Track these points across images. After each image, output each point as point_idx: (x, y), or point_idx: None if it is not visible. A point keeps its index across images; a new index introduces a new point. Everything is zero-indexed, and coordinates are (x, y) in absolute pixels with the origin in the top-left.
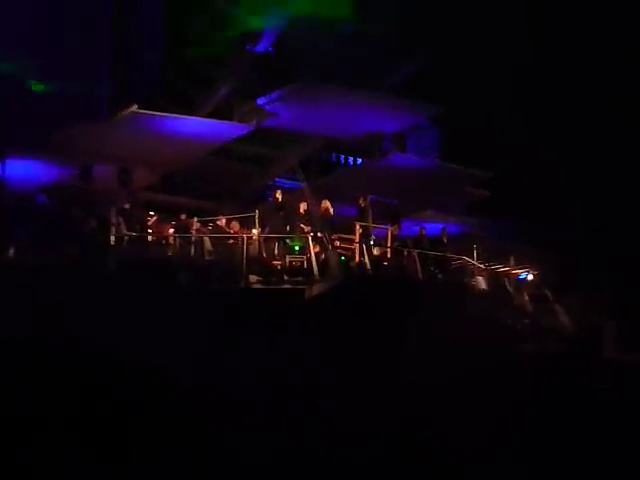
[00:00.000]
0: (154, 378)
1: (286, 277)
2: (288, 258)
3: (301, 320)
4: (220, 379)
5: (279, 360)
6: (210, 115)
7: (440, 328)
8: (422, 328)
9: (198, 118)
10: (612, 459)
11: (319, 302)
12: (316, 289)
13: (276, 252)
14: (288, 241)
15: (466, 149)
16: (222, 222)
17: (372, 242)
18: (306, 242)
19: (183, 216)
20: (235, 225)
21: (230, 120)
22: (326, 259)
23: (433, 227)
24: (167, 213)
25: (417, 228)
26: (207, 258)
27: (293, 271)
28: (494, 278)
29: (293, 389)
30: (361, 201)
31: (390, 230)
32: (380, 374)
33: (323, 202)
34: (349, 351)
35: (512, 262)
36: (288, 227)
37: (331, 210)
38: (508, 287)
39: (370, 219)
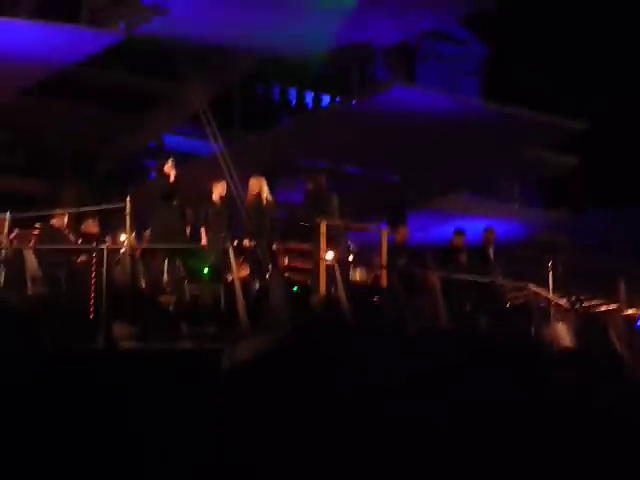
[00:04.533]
0: None
1: (186, 327)
2: (190, 289)
3: (213, 415)
4: None
5: None
6: (36, 14)
7: (492, 429)
8: (453, 431)
9: (9, 18)
10: None
11: (249, 376)
12: (244, 350)
13: (166, 278)
14: (189, 257)
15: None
16: (62, 221)
17: (351, 256)
18: (224, 259)
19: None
20: (91, 226)
21: (76, 22)
22: (263, 291)
23: (470, 226)
24: None
25: (440, 229)
26: (31, 291)
27: (199, 314)
28: (588, 324)
29: None
30: (313, 181)
31: (385, 233)
32: None
33: (254, 181)
34: None
35: (622, 293)
36: (189, 230)
37: (268, 196)
38: (615, 342)
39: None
